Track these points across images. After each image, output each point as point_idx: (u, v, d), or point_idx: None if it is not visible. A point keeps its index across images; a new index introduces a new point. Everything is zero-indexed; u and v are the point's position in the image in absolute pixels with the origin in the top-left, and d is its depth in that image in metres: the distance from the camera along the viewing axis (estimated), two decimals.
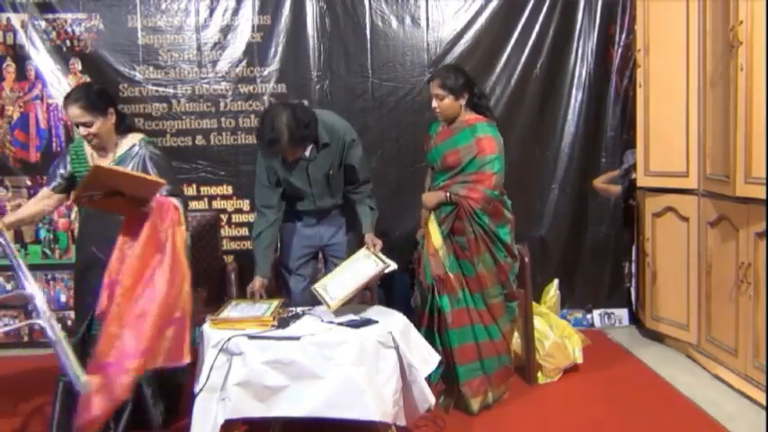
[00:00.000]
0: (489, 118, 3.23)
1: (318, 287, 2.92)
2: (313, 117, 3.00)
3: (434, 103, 3.17)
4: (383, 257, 2.98)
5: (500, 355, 3.22)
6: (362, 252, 3.07)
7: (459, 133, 3.17)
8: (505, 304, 3.23)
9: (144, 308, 2.41)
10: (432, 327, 3.17)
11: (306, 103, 4.24)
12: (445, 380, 3.24)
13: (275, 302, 2.90)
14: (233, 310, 2.84)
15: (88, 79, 4.21)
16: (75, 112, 2.72)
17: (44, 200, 2.94)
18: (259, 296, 3.05)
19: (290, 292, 3.35)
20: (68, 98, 2.77)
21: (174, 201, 2.64)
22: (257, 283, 3.09)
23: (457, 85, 3.13)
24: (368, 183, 3.31)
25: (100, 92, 2.84)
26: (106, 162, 2.81)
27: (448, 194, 3.13)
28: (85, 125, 2.74)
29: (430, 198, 3.21)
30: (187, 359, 2.52)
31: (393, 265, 2.94)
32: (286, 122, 2.88)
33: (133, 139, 2.88)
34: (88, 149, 2.88)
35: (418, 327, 3.15)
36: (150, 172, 2.77)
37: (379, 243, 3.11)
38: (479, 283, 3.14)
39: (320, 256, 3.44)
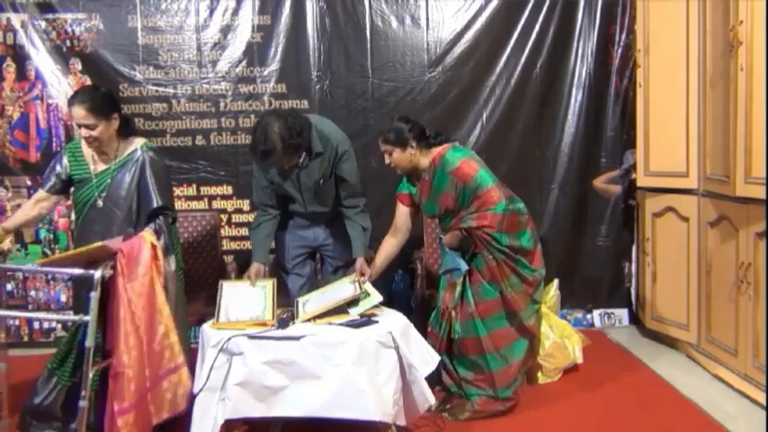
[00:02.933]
0: (444, 145, 3.16)
1: (300, 300, 2.94)
2: (306, 124, 2.98)
3: (387, 160, 3.14)
4: (368, 288, 2.97)
5: (516, 377, 3.18)
6: (348, 278, 3.06)
7: (434, 178, 3.13)
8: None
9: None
10: (450, 351, 3.18)
11: (306, 104, 4.27)
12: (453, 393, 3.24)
13: (269, 282, 2.95)
14: (228, 294, 2.87)
15: (88, 79, 4.22)
16: (81, 113, 2.72)
17: (40, 202, 2.94)
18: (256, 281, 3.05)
19: (288, 291, 3.34)
20: (74, 98, 2.77)
21: (151, 237, 2.63)
22: (254, 268, 3.11)
23: (400, 137, 3.08)
24: (361, 197, 3.24)
25: (106, 95, 2.84)
26: (108, 164, 2.84)
27: (462, 230, 3.08)
28: (88, 127, 2.74)
29: (449, 240, 3.16)
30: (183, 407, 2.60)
31: (376, 299, 2.89)
32: (278, 132, 2.85)
33: (135, 144, 2.90)
34: (87, 152, 2.88)
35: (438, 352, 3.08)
36: (148, 177, 2.80)
37: (368, 273, 3.07)
38: (492, 307, 3.08)
39: (317, 256, 3.44)
